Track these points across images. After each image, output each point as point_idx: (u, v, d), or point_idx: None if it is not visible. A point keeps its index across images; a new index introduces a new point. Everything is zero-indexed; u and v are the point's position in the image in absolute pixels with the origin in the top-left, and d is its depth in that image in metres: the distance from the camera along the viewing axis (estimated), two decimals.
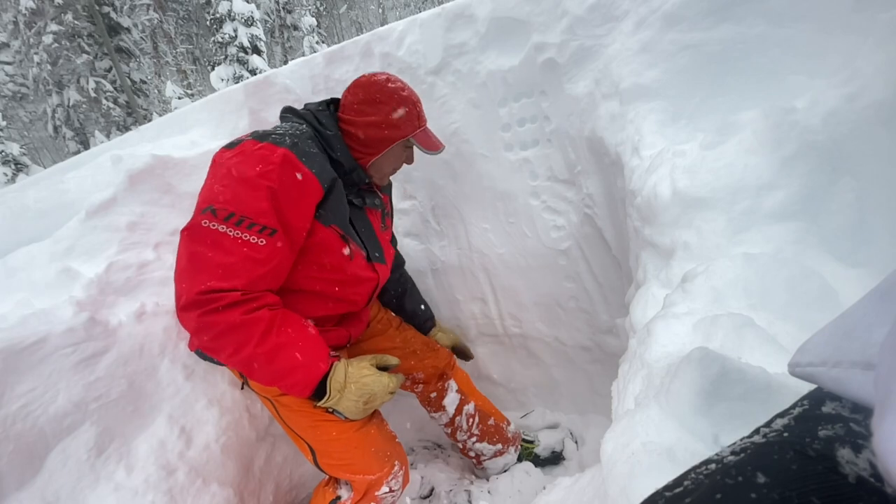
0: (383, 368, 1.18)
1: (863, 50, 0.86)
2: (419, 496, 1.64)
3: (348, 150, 1.15)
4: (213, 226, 0.94)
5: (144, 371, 1.21)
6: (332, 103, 1.21)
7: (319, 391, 1.03)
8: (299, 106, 1.20)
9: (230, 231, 0.94)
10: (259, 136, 1.03)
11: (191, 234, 0.96)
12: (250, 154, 0.98)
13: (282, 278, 1.06)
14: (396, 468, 1.22)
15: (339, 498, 1.25)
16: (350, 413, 1.07)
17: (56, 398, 1.03)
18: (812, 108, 0.85)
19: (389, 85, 1.16)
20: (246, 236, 0.95)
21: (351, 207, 1.17)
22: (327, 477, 1.30)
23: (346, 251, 1.14)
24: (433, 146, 1.23)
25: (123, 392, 1.14)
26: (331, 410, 1.08)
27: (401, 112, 1.15)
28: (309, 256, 1.09)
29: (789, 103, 0.90)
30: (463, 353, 1.68)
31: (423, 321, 1.62)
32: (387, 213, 1.39)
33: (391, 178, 1.42)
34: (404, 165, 1.29)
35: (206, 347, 0.97)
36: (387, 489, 1.21)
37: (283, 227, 0.99)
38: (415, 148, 1.24)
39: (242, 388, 1.29)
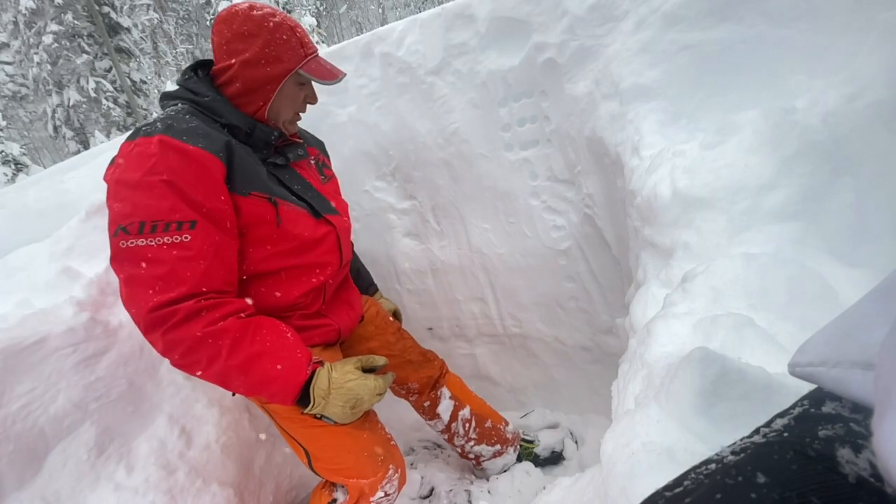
0: (370, 370, 1.14)
1: (863, 50, 0.86)
2: (419, 496, 1.64)
3: (236, 109, 1.04)
4: (131, 243, 0.87)
5: (144, 371, 1.21)
6: (201, 66, 1.09)
7: (305, 398, 0.98)
8: None
9: (149, 241, 0.87)
10: (130, 135, 0.94)
11: (116, 261, 0.89)
12: (128, 156, 0.91)
13: (232, 269, 0.98)
14: (391, 472, 1.19)
15: (334, 501, 1.23)
16: (339, 418, 1.02)
17: (56, 398, 1.03)
18: (812, 108, 0.85)
19: (255, 13, 1.01)
20: (167, 239, 0.88)
21: (276, 168, 1.09)
22: (323, 480, 1.28)
23: (276, 219, 1.03)
24: (328, 75, 1.07)
25: (123, 392, 1.15)
26: (319, 416, 1.04)
27: (278, 41, 1.02)
28: (249, 236, 1.01)
29: (789, 103, 0.90)
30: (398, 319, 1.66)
31: (367, 284, 1.57)
32: (323, 164, 1.29)
33: (318, 135, 1.35)
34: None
35: (179, 365, 0.92)
36: (381, 494, 1.18)
37: (201, 214, 0.91)
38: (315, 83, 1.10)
39: (234, 394, 1.27)
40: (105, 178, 0.94)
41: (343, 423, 1.05)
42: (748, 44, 1.04)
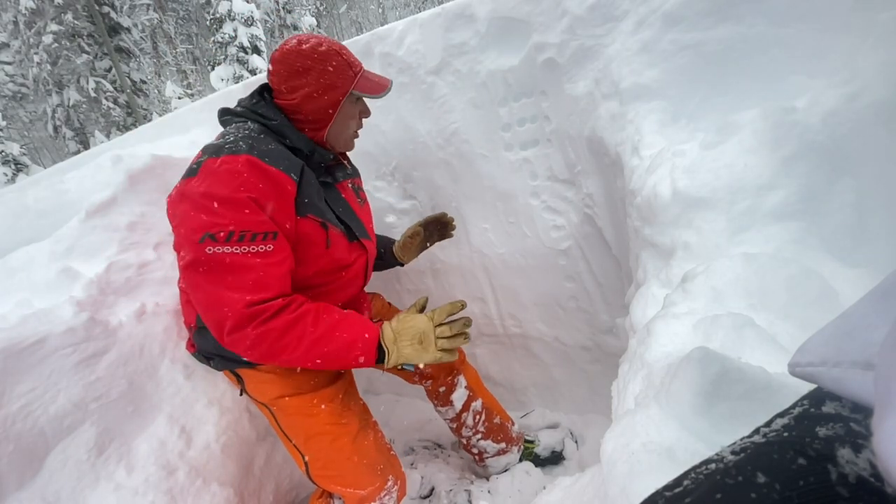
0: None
1: (863, 50, 0.86)
2: (419, 496, 1.64)
3: (301, 133, 1.11)
4: (220, 249, 0.93)
5: (144, 371, 1.21)
6: (266, 90, 1.14)
7: (380, 354, 1.03)
8: None
9: (237, 249, 0.94)
10: (214, 152, 0.99)
11: (198, 266, 0.94)
12: (216, 173, 0.96)
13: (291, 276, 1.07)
14: (390, 483, 1.20)
15: None
16: (418, 358, 1.03)
17: (56, 398, 1.03)
18: (812, 108, 0.85)
19: (303, 48, 1.07)
20: (254, 248, 0.96)
21: (324, 187, 1.15)
22: (318, 490, 1.28)
23: (325, 241, 1.11)
24: (378, 88, 1.13)
25: (123, 392, 1.14)
26: (401, 367, 1.08)
27: (329, 69, 1.08)
28: (297, 254, 1.07)
29: (789, 103, 0.90)
30: (442, 223, 1.54)
31: (384, 244, 1.52)
32: (359, 188, 1.36)
33: (361, 165, 1.40)
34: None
35: (268, 354, 0.97)
36: None
37: (279, 227, 1.00)
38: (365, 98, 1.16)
39: (241, 393, 1.28)
40: (183, 191, 0.98)
41: (429, 362, 1.04)
42: (748, 44, 1.04)
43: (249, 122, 1.09)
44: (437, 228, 1.56)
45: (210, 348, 1.17)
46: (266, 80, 1.14)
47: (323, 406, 1.17)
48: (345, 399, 1.22)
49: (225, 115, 1.14)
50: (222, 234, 0.93)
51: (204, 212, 0.94)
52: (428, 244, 1.56)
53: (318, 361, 1.00)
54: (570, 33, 1.32)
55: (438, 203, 1.80)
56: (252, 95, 1.13)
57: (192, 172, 0.99)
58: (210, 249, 0.93)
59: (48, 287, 1.21)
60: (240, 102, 1.14)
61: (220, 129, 1.14)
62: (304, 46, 1.07)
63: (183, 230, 0.97)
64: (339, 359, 1.01)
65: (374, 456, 1.18)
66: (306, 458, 1.17)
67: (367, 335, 1.02)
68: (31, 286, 1.22)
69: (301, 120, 1.11)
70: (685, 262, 0.88)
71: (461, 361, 1.57)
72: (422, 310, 1.14)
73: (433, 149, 1.69)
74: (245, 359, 1.01)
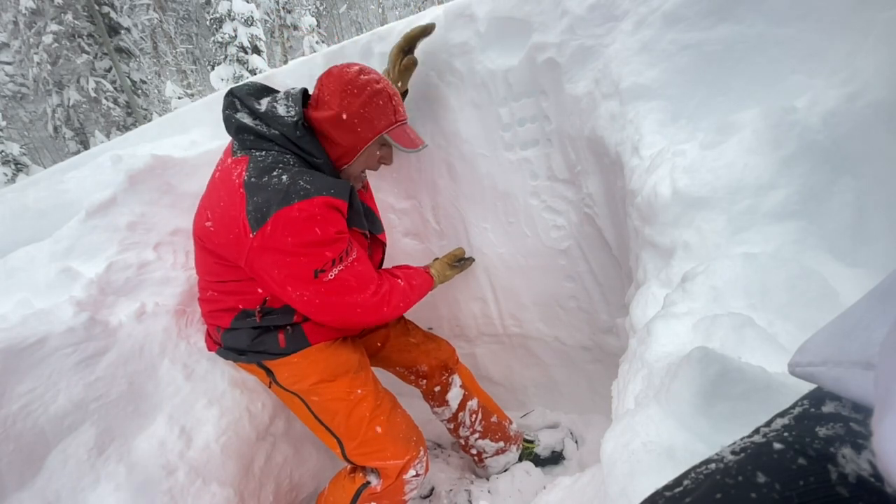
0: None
1: (863, 50, 0.86)
2: (419, 496, 1.64)
3: (336, 171, 1.20)
4: (331, 275, 1.12)
5: (144, 371, 1.21)
6: (302, 119, 1.13)
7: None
8: None
9: (341, 266, 1.13)
10: (283, 199, 1.04)
11: (321, 295, 1.12)
12: (297, 221, 1.05)
13: None
14: (421, 453, 1.33)
15: (368, 483, 1.30)
16: (450, 276, 1.59)
17: (56, 398, 1.03)
18: (812, 108, 0.85)
19: (362, 77, 1.12)
20: (349, 261, 1.15)
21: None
22: (349, 467, 1.35)
23: (368, 248, 1.30)
24: (411, 144, 1.21)
25: (123, 392, 1.15)
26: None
27: (376, 105, 1.13)
28: None
29: (789, 103, 0.90)
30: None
31: None
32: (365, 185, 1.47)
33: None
34: (394, 167, 1.33)
35: (397, 312, 1.29)
36: (414, 472, 1.30)
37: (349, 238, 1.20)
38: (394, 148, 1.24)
39: (270, 385, 1.34)
40: (264, 244, 1.06)
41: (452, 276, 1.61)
42: (748, 44, 1.04)
43: (288, 156, 1.11)
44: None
45: (243, 345, 1.26)
46: (295, 94, 1.16)
47: (359, 390, 1.28)
48: (374, 382, 1.34)
49: (246, 134, 1.12)
50: (328, 264, 1.11)
51: (303, 256, 1.08)
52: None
53: (412, 302, 1.34)
54: (570, 33, 1.32)
55: (438, 203, 1.80)
56: (295, 125, 1.11)
57: (259, 221, 1.04)
58: (326, 278, 1.11)
59: (48, 287, 1.21)
60: (271, 124, 1.11)
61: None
62: (363, 76, 1.13)
63: (287, 274, 1.10)
64: (421, 297, 1.39)
65: (407, 430, 1.33)
66: (342, 440, 1.27)
67: (428, 278, 1.45)
68: (31, 286, 1.22)
69: (325, 137, 1.15)
70: (685, 262, 0.88)
71: (455, 361, 1.58)
72: (452, 258, 1.62)
73: (433, 149, 1.69)
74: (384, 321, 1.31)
